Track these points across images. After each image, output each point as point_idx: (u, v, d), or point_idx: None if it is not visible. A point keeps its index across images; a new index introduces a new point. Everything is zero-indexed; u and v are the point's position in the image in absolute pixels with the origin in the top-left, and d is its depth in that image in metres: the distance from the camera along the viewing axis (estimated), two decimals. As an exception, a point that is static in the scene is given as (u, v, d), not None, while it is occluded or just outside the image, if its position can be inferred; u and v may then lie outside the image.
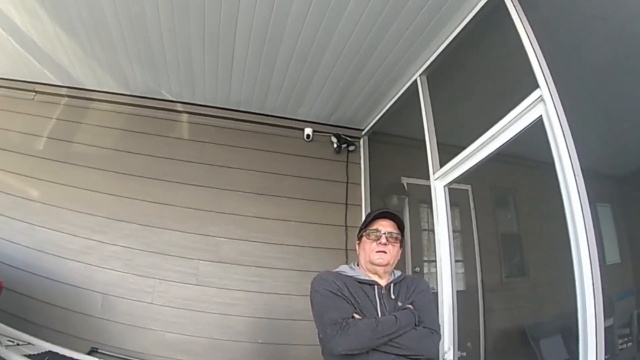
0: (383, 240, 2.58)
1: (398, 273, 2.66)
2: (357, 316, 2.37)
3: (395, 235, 2.62)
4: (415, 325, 2.35)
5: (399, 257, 2.66)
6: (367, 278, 2.57)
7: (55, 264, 4.45)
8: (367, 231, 2.67)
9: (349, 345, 2.27)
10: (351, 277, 2.56)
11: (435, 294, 3.57)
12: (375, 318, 2.36)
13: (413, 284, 2.56)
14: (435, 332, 2.35)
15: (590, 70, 2.80)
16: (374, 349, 2.29)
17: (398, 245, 2.63)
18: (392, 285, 2.55)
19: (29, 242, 4.50)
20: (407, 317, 2.35)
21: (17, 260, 4.40)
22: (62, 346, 3.95)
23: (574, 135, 2.55)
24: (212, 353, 4.40)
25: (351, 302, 2.42)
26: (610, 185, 2.78)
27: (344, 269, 2.67)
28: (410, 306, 2.43)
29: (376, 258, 2.56)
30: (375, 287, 2.52)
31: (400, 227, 2.68)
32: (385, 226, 2.63)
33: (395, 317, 2.34)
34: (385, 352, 2.30)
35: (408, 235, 4.58)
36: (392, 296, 2.50)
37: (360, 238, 2.75)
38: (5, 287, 3.73)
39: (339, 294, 2.44)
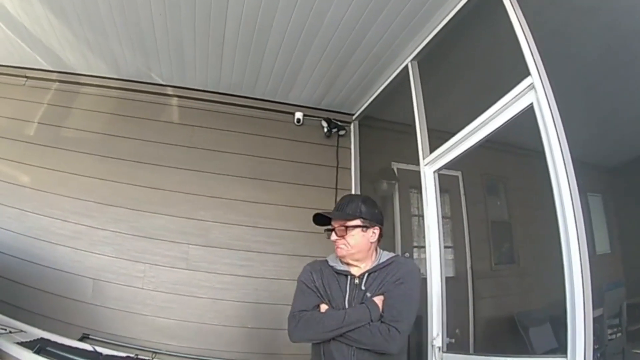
0: (333, 237, 2.62)
1: (386, 257, 2.62)
2: (324, 307, 2.49)
3: (345, 226, 2.59)
4: (372, 320, 2.37)
5: (372, 240, 2.61)
6: (342, 268, 2.61)
7: (46, 250, 4.45)
8: (325, 232, 2.72)
9: (300, 336, 2.50)
10: (331, 267, 2.63)
11: (424, 280, 3.57)
12: (326, 312, 2.47)
13: (392, 272, 2.52)
14: (393, 327, 2.32)
15: (582, 60, 2.78)
16: (335, 340, 2.40)
17: (357, 231, 2.58)
18: (366, 274, 2.55)
19: (19, 229, 4.49)
20: (358, 312, 2.39)
21: (8, 246, 4.40)
22: (54, 333, 3.97)
23: (565, 123, 2.53)
24: (201, 338, 4.43)
25: (321, 293, 2.53)
26: (601, 175, 2.77)
27: (330, 257, 2.72)
28: (377, 299, 2.44)
29: (336, 251, 2.62)
30: (348, 277, 2.56)
31: (347, 216, 2.62)
32: (334, 222, 2.65)
33: (345, 312, 2.40)
34: (346, 344, 2.39)
35: (397, 220, 4.58)
36: (363, 287, 2.51)
37: None
38: (-3, 274, 3.73)
39: (310, 285, 2.60)
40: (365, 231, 2.60)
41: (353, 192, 5.24)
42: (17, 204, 4.58)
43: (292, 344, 2.58)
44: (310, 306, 2.53)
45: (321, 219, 2.67)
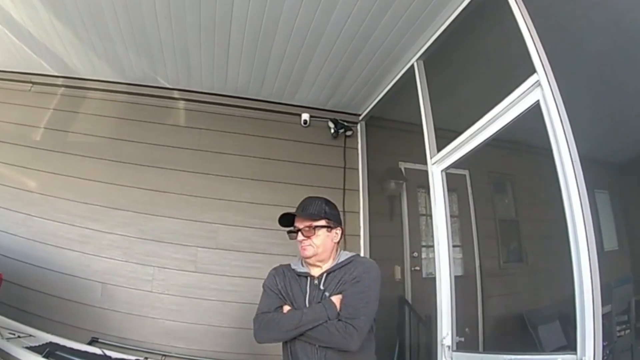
0: (300, 237, 2.66)
1: (345, 256, 2.68)
2: (286, 309, 2.56)
3: (312, 226, 2.65)
4: (329, 318, 2.42)
5: (335, 240, 2.71)
6: (302, 270, 2.69)
7: (53, 254, 4.45)
8: (288, 234, 2.78)
9: (262, 336, 2.58)
10: (293, 270, 2.72)
11: (433, 279, 3.57)
12: (284, 313, 2.55)
13: (350, 270, 2.57)
14: (350, 325, 2.35)
15: (588, 56, 2.79)
16: (297, 339, 2.47)
17: (323, 231, 2.66)
18: (324, 275, 2.60)
19: (27, 233, 4.50)
20: (314, 312, 2.45)
21: (16, 251, 4.39)
22: (62, 337, 3.97)
23: (572, 121, 2.54)
24: (211, 339, 4.44)
25: (284, 295, 2.62)
26: (609, 172, 2.77)
27: (293, 261, 2.82)
28: (335, 298, 2.48)
29: (302, 252, 2.66)
30: (308, 278, 2.63)
31: (314, 216, 2.68)
32: (299, 223, 2.71)
33: (302, 312, 2.46)
34: (309, 343, 2.45)
35: (405, 220, 4.58)
36: (322, 287, 2.57)
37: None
38: (5, 279, 3.72)
39: (273, 288, 2.70)
40: (330, 231, 2.69)
41: (361, 193, 5.26)
42: (24, 209, 4.59)
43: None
44: (272, 308, 2.60)
45: (285, 221, 2.75)
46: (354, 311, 2.39)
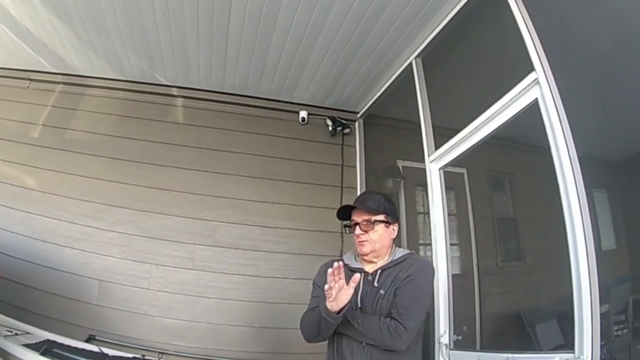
0: (358, 231, 2.61)
1: (400, 254, 2.62)
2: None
3: (371, 220, 2.61)
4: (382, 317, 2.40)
5: (393, 236, 2.67)
6: (356, 266, 2.63)
7: (53, 252, 4.46)
8: (345, 227, 2.75)
9: (304, 335, 2.61)
10: (346, 265, 2.58)
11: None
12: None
13: (405, 268, 2.51)
14: (400, 324, 2.31)
15: (587, 54, 2.76)
16: (344, 335, 2.46)
17: (381, 226, 2.62)
18: (379, 271, 2.56)
19: (27, 231, 4.50)
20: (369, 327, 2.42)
21: (16, 249, 4.40)
22: (60, 334, 3.98)
23: (570, 119, 2.53)
24: (209, 337, 4.44)
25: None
26: (607, 171, 2.74)
27: (346, 256, 2.77)
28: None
29: (360, 248, 2.62)
30: (362, 274, 2.53)
31: (373, 211, 2.64)
32: (357, 216, 2.65)
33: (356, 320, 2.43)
34: (356, 340, 2.42)
35: (403, 218, 4.57)
36: (376, 284, 2.53)
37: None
38: (3, 276, 3.74)
39: (321, 285, 2.51)
40: (388, 227, 2.65)
41: (359, 191, 5.25)
42: (23, 207, 4.59)
43: (300, 343, 2.61)
44: (315, 305, 2.55)
45: (342, 215, 2.72)
46: (405, 310, 2.36)
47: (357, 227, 2.62)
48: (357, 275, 2.24)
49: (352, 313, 2.41)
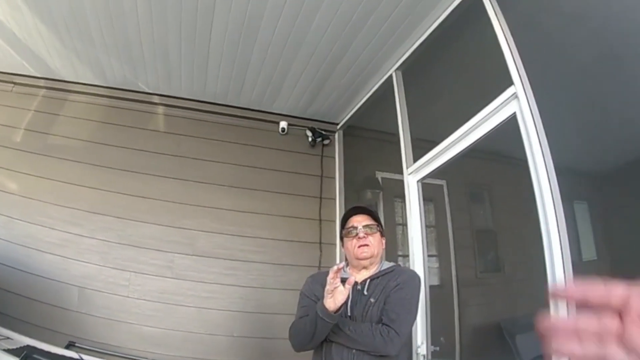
0: (361, 234, 2.65)
1: (387, 265, 2.69)
2: None
3: (372, 226, 2.69)
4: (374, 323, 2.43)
5: (383, 246, 2.75)
6: (344, 275, 2.60)
7: (33, 258, 4.43)
8: (345, 231, 2.76)
9: (293, 344, 2.61)
10: None
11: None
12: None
13: (394, 278, 2.57)
14: (392, 329, 2.35)
15: (566, 67, 2.79)
16: (334, 342, 2.47)
17: (379, 235, 2.71)
18: (368, 281, 2.61)
19: (7, 236, 4.47)
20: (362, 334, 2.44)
21: (-4, 254, 4.37)
22: (40, 340, 3.96)
23: (548, 132, 2.57)
24: (188, 346, 4.42)
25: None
26: (587, 183, 2.78)
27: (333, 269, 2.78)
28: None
29: (360, 253, 2.64)
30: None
31: (375, 218, 2.75)
32: (360, 221, 2.71)
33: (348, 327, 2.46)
34: (347, 347, 2.44)
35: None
36: (365, 292, 2.57)
37: (342, 239, 2.82)
38: (-17, 282, 3.73)
39: (308, 294, 2.69)
40: (382, 237, 2.75)
41: (338, 202, 5.29)
42: (4, 211, 4.56)
43: (281, 352, 2.63)
44: (303, 314, 2.61)
45: (350, 214, 2.80)
46: (397, 316, 2.40)
47: (361, 231, 2.67)
48: (352, 278, 2.28)
49: (342, 320, 2.44)
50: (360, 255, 2.64)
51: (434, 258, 3.91)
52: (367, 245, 2.63)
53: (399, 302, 2.46)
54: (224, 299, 4.60)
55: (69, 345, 4.16)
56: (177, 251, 4.69)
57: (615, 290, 0.53)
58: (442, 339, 3.58)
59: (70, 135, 4.98)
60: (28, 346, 3.80)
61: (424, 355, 3.42)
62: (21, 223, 4.54)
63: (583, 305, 0.56)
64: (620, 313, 0.52)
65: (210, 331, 4.49)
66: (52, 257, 4.47)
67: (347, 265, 2.79)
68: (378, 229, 2.72)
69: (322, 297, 2.45)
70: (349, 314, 2.53)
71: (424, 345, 3.45)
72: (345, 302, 2.46)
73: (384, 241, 2.77)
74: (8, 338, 3.85)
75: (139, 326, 4.40)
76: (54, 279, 4.41)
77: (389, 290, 2.51)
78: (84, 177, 4.77)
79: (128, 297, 4.46)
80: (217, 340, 4.47)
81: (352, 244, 2.68)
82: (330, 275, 2.29)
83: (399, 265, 2.77)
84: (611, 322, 0.52)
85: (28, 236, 4.50)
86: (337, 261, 4.90)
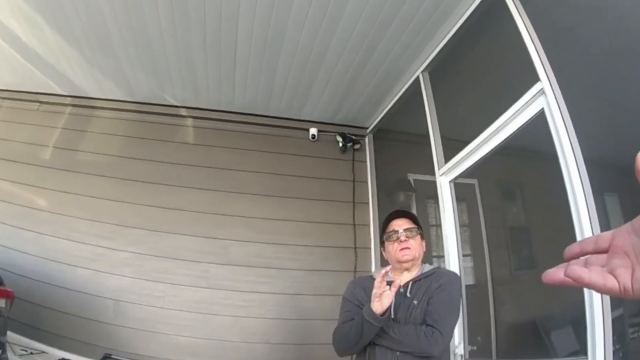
0: (402, 237, 2.65)
1: (428, 267, 2.69)
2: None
3: (412, 229, 2.69)
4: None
5: (424, 249, 2.73)
6: (388, 279, 2.61)
7: (65, 272, 4.48)
8: (386, 235, 2.76)
9: (337, 349, 2.65)
10: (375, 279, 2.62)
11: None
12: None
13: (436, 280, 2.57)
14: (437, 330, 2.35)
15: (591, 61, 2.79)
16: (378, 345, 2.47)
17: (419, 238, 2.70)
18: (410, 283, 2.60)
19: (38, 251, 4.53)
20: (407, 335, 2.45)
21: (28, 269, 4.43)
22: (75, 353, 3.99)
23: (576, 126, 2.57)
24: (225, 355, 4.44)
25: (363, 304, 2.54)
26: (617, 174, 2.77)
27: (375, 273, 2.80)
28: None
29: (402, 256, 2.63)
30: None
31: (415, 221, 2.75)
32: (400, 225, 2.71)
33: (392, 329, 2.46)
34: (390, 349, 2.43)
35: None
36: (408, 295, 2.56)
37: (383, 244, 2.82)
38: (17, 297, 3.75)
39: (351, 299, 2.70)
40: (422, 240, 2.73)
41: (371, 206, 5.30)
42: (35, 228, 4.62)
43: (319, 358, 2.66)
44: (347, 318, 2.61)
45: (387, 222, 2.79)
46: (440, 317, 2.39)
47: (402, 234, 2.67)
48: (397, 281, 2.32)
49: (386, 323, 2.44)
50: (402, 258, 2.64)
51: (469, 257, 3.89)
52: (408, 248, 2.63)
53: (442, 303, 2.46)
54: (260, 307, 4.61)
55: (105, 357, 4.16)
56: (212, 261, 4.71)
57: (603, 237, 0.73)
58: (478, 338, 3.56)
59: (98, 150, 5.05)
60: (63, 359, 3.83)
61: (461, 355, 3.41)
62: (52, 239, 4.59)
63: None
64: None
65: (247, 339, 4.50)
66: (84, 271, 4.51)
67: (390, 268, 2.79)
68: (418, 232, 2.71)
69: (366, 301, 2.48)
70: (392, 316, 2.53)
71: (461, 346, 3.44)
72: (390, 306, 2.48)
73: (424, 244, 2.75)
74: (43, 352, 3.88)
75: (175, 336, 4.43)
76: (87, 293, 4.45)
77: (431, 292, 2.51)
78: (113, 192, 4.83)
79: (163, 308, 4.48)
80: (254, 348, 4.48)
81: (393, 247, 2.68)
82: (378, 279, 2.32)
83: (440, 267, 2.81)
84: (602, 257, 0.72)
85: (59, 251, 4.55)
86: (373, 265, 4.93)
